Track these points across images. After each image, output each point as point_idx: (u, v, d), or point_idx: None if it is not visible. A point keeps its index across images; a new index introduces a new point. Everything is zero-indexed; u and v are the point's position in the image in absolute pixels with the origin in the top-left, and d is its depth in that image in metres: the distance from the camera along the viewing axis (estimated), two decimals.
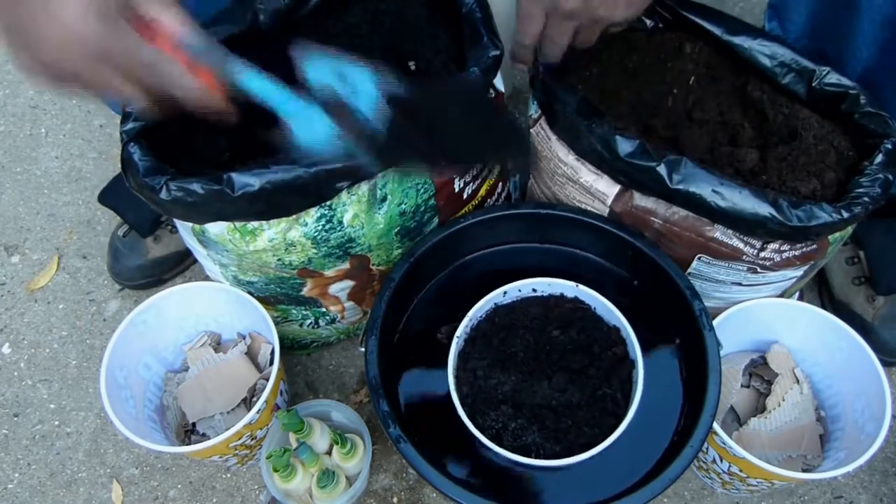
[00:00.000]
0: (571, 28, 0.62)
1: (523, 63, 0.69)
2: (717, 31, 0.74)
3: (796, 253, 0.69)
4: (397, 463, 0.87)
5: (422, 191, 0.71)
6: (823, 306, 0.94)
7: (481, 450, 0.66)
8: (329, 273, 0.75)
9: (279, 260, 0.70)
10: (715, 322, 0.70)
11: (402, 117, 0.54)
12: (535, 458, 0.61)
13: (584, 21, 0.61)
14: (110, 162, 1.16)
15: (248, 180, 0.61)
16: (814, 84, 0.71)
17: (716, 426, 0.66)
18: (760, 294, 0.77)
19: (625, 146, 0.66)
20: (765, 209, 0.63)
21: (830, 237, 0.68)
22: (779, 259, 0.69)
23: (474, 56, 0.68)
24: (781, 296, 0.79)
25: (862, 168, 0.66)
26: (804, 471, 0.76)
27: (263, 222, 0.66)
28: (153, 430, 0.79)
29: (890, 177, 0.65)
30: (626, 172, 0.68)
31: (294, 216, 0.66)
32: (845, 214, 0.63)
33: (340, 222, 0.68)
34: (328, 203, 0.67)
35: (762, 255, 0.69)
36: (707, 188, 0.64)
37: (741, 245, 0.68)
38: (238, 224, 0.66)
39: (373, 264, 0.77)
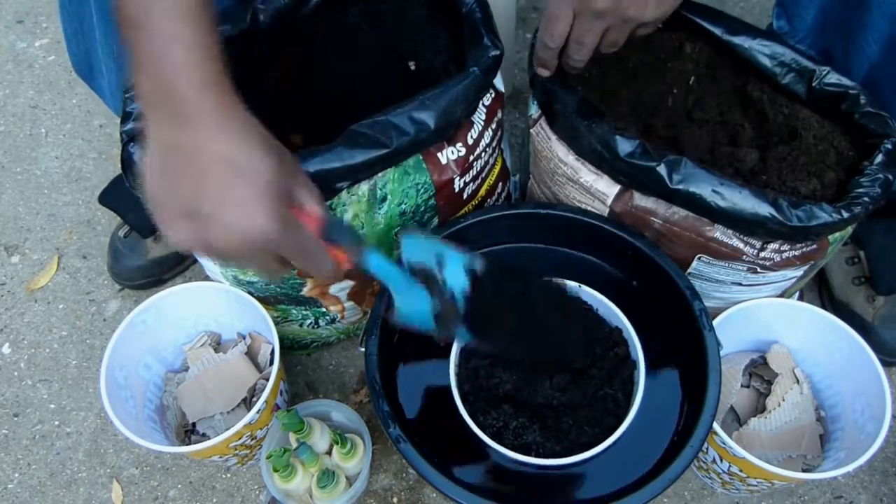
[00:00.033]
0: (601, 29, 0.61)
1: (547, 68, 0.68)
2: (717, 31, 0.74)
3: (796, 253, 0.69)
4: (397, 463, 0.87)
5: (422, 191, 0.71)
6: (823, 306, 0.94)
7: (482, 449, 0.66)
8: None
9: None
10: (715, 322, 0.70)
11: (488, 302, 0.60)
12: (536, 456, 0.61)
13: (613, 21, 0.60)
14: (110, 162, 1.16)
15: None
16: (814, 84, 0.71)
17: (716, 426, 0.66)
18: (760, 294, 0.77)
19: (625, 146, 0.66)
20: (765, 209, 0.63)
21: (830, 237, 0.68)
22: (779, 259, 0.69)
23: (474, 56, 0.68)
24: (781, 296, 0.79)
25: (862, 168, 0.66)
26: (804, 471, 0.76)
27: None
28: (153, 430, 0.79)
29: (890, 177, 0.65)
30: (626, 172, 0.68)
31: None
32: (845, 214, 0.63)
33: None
34: (328, 203, 0.67)
35: (762, 255, 0.69)
36: (707, 188, 0.64)
37: (741, 245, 0.68)
38: None
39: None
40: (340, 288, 0.79)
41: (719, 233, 0.68)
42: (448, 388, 0.65)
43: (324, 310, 0.82)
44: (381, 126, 0.64)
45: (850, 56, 0.75)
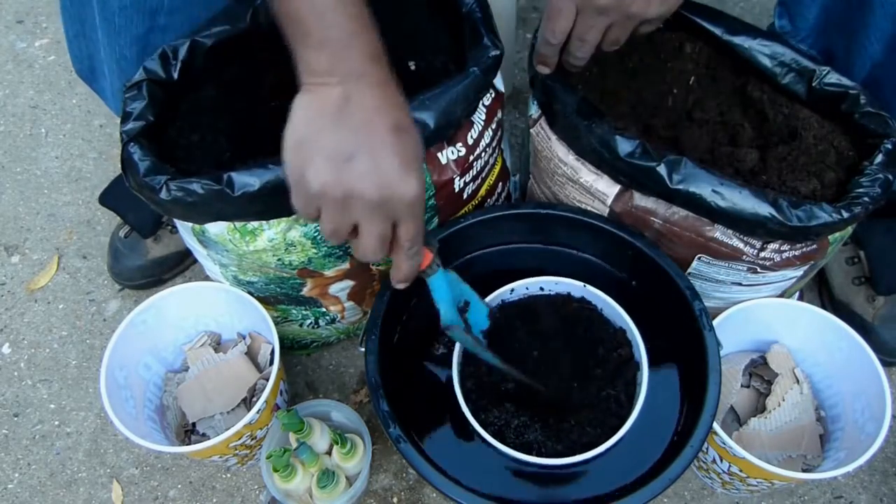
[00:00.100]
0: (603, 25, 0.61)
1: (547, 65, 0.68)
2: (717, 31, 0.74)
3: (796, 253, 0.69)
4: (397, 463, 0.87)
5: None
6: (823, 306, 0.94)
7: (482, 449, 0.66)
8: (329, 273, 0.75)
9: (279, 260, 0.70)
10: (715, 322, 0.70)
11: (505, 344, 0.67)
12: (537, 455, 0.61)
13: (616, 18, 0.60)
14: (110, 162, 1.16)
15: (248, 180, 0.61)
16: (814, 84, 0.71)
17: (716, 426, 0.66)
18: (760, 294, 0.77)
19: (625, 146, 0.66)
20: (765, 209, 0.63)
21: (830, 237, 0.68)
22: (779, 259, 0.69)
23: (474, 56, 0.68)
24: (781, 296, 0.79)
25: (862, 168, 0.66)
26: (804, 471, 0.76)
27: (263, 222, 0.66)
28: (153, 430, 0.79)
29: (890, 177, 0.65)
30: (626, 172, 0.68)
31: (294, 216, 0.66)
32: (845, 214, 0.63)
33: None
34: None
35: (762, 255, 0.69)
36: (707, 188, 0.64)
37: (741, 245, 0.68)
38: (238, 224, 0.66)
39: (373, 264, 0.77)
40: (340, 288, 0.79)
41: (719, 233, 0.68)
42: (448, 388, 0.65)
43: (324, 310, 0.82)
44: None
45: (852, 55, 0.75)
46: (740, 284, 0.74)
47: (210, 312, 0.86)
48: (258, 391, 0.84)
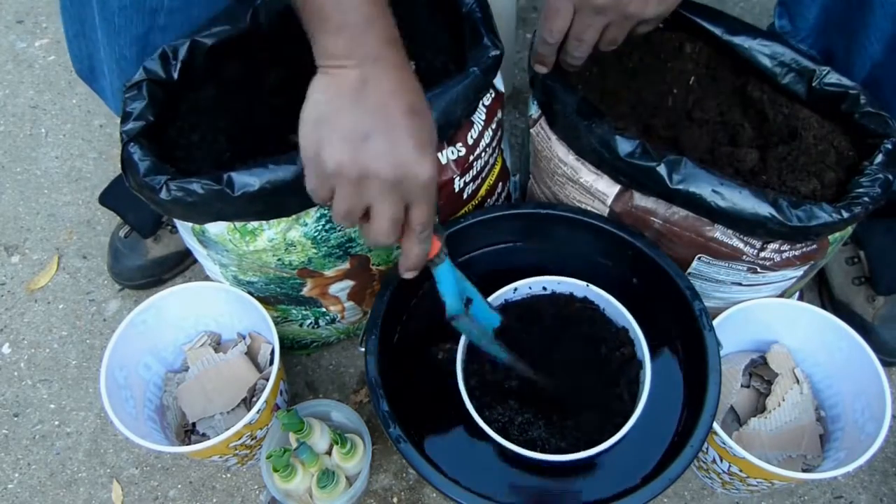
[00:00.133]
0: (601, 25, 0.61)
1: (544, 64, 0.68)
2: (717, 31, 0.74)
3: (796, 253, 0.69)
4: (397, 463, 0.87)
5: None
6: (823, 306, 0.94)
7: (482, 449, 0.66)
8: (329, 273, 0.75)
9: (279, 260, 0.70)
10: (715, 322, 0.70)
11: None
12: (541, 452, 0.61)
13: (614, 18, 0.60)
14: (110, 162, 1.16)
15: (248, 180, 0.61)
16: (814, 84, 0.71)
17: (716, 426, 0.66)
18: (760, 294, 0.77)
19: (625, 146, 0.66)
20: (765, 209, 0.63)
21: (830, 237, 0.68)
22: (779, 259, 0.69)
23: (474, 56, 0.68)
24: (781, 296, 0.79)
25: (862, 168, 0.66)
26: (804, 471, 0.76)
27: (263, 222, 0.66)
28: (153, 430, 0.79)
29: (890, 177, 0.65)
30: (626, 172, 0.68)
31: (294, 216, 0.66)
32: (845, 214, 0.63)
33: None
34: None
35: (762, 255, 0.69)
36: (707, 188, 0.64)
37: (741, 245, 0.68)
38: (238, 224, 0.66)
39: (373, 264, 0.77)
40: (340, 288, 0.79)
41: (719, 233, 0.68)
42: (449, 388, 0.65)
43: (324, 310, 0.82)
44: None
45: (852, 55, 0.75)
46: (740, 284, 0.74)
47: (210, 312, 0.86)
48: (258, 391, 0.84)
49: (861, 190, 0.64)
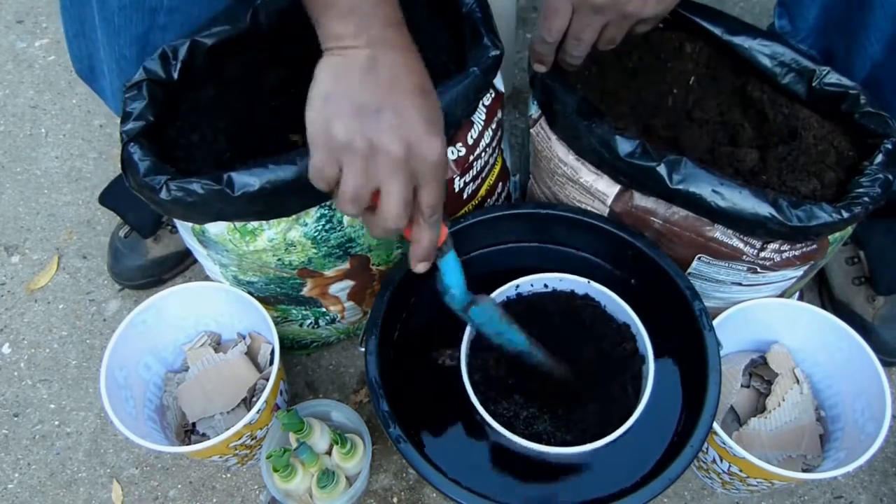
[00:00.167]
0: (599, 24, 0.61)
1: (543, 63, 0.68)
2: (717, 31, 0.74)
3: (796, 253, 0.69)
4: (397, 463, 0.87)
5: None
6: (823, 306, 0.94)
7: (483, 449, 0.66)
8: (329, 273, 0.75)
9: (279, 260, 0.70)
10: (715, 322, 0.70)
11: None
12: (547, 445, 0.61)
13: (612, 17, 0.60)
14: (110, 162, 1.16)
15: (248, 180, 0.61)
16: (814, 84, 0.71)
17: (716, 426, 0.66)
18: (760, 294, 0.77)
19: (625, 146, 0.66)
20: (765, 209, 0.63)
21: (830, 237, 0.68)
22: (779, 259, 0.69)
23: (474, 56, 0.68)
24: (781, 296, 0.79)
25: (862, 168, 0.66)
26: (804, 471, 0.76)
27: (263, 222, 0.66)
28: (153, 430, 0.79)
29: (890, 177, 0.65)
30: (626, 172, 0.68)
31: (294, 216, 0.66)
32: (845, 214, 0.63)
33: (340, 222, 0.68)
34: (328, 203, 0.67)
35: (762, 255, 0.69)
36: (707, 188, 0.64)
37: (741, 245, 0.68)
38: (238, 224, 0.66)
39: (373, 264, 0.77)
40: (340, 288, 0.79)
41: (719, 233, 0.68)
42: (448, 388, 0.65)
43: (324, 310, 0.82)
44: None
45: (852, 56, 0.75)
46: (740, 284, 0.74)
47: (210, 312, 0.86)
48: (258, 391, 0.83)
49: (861, 190, 0.64)
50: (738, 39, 0.73)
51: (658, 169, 0.65)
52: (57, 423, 0.93)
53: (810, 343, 0.80)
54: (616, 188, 0.71)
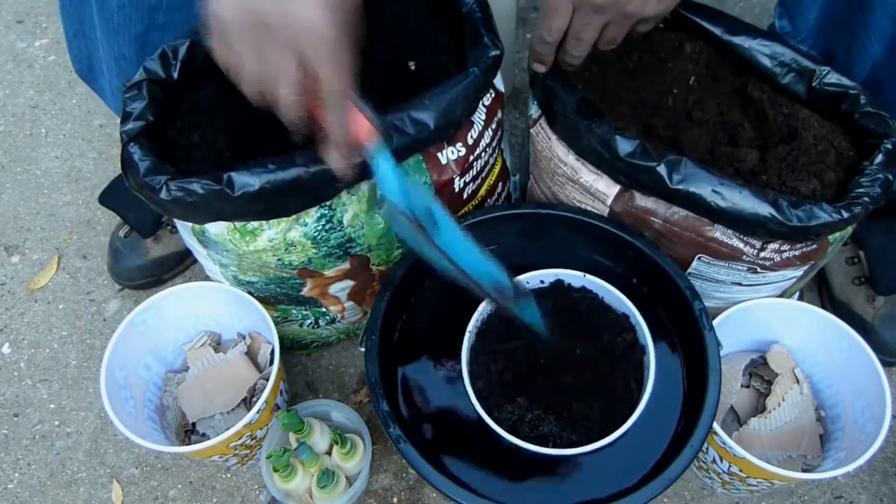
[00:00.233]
0: (600, 24, 0.61)
1: (543, 63, 0.68)
2: (717, 31, 0.74)
3: (796, 253, 0.69)
4: (397, 463, 0.87)
5: None
6: (823, 306, 0.94)
7: (483, 448, 0.66)
8: (329, 273, 0.75)
9: (279, 260, 0.70)
10: (715, 322, 0.70)
11: None
12: (554, 447, 0.61)
13: (613, 16, 0.60)
14: (110, 162, 1.16)
15: (248, 180, 0.61)
16: (814, 84, 0.71)
17: (716, 426, 0.66)
18: (760, 294, 0.77)
19: (625, 146, 0.66)
20: (765, 209, 0.63)
21: (830, 237, 0.68)
22: (779, 259, 0.69)
23: (474, 56, 0.68)
24: (781, 296, 0.79)
25: (862, 168, 0.66)
26: (804, 471, 0.76)
27: (263, 222, 0.66)
28: (153, 430, 0.79)
29: (890, 177, 0.65)
30: (626, 172, 0.68)
31: (294, 216, 0.66)
32: (845, 214, 0.63)
33: (340, 222, 0.68)
34: (328, 203, 0.67)
35: (762, 255, 0.69)
36: (707, 188, 0.64)
37: (741, 245, 0.68)
38: (238, 224, 0.66)
39: (373, 264, 0.77)
40: (340, 288, 0.79)
41: (719, 233, 0.68)
42: (449, 387, 0.65)
43: (324, 310, 0.82)
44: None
45: (853, 56, 0.75)
46: (740, 284, 0.74)
47: (210, 312, 0.86)
48: (258, 391, 0.84)
49: (861, 190, 0.64)
50: (738, 39, 0.73)
51: (658, 169, 0.65)
52: (57, 423, 0.93)
53: (810, 343, 0.80)
54: (616, 188, 0.71)
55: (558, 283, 0.71)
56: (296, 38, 0.49)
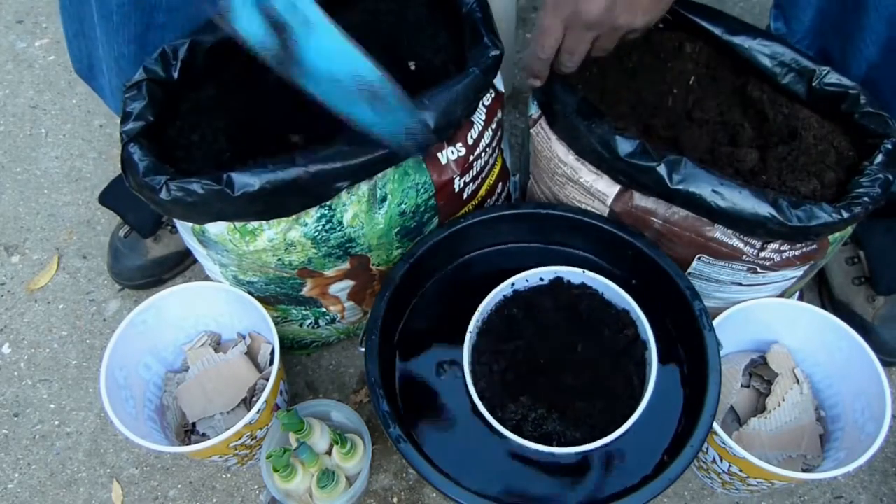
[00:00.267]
0: (591, 38, 0.62)
1: (539, 78, 0.69)
2: (717, 30, 0.74)
3: (796, 253, 0.69)
4: (397, 463, 0.87)
5: (422, 191, 0.71)
6: (823, 306, 0.94)
7: (483, 448, 0.66)
8: (329, 273, 0.75)
9: (279, 260, 0.70)
10: (715, 322, 0.70)
11: None
12: (558, 445, 0.61)
13: (604, 30, 0.61)
14: (110, 162, 1.16)
15: (248, 180, 0.61)
16: (814, 84, 0.71)
17: (716, 426, 0.66)
18: (760, 294, 0.77)
19: (625, 146, 0.66)
20: (765, 209, 0.63)
21: (830, 237, 0.68)
22: (779, 259, 0.69)
23: (474, 56, 0.68)
24: (781, 296, 0.79)
25: (862, 168, 0.66)
26: (804, 471, 0.76)
27: (263, 222, 0.66)
28: (153, 430, 0.79)
29: (890, 177, 0.65)
30: (626, 172, 0.68)
31: (294, 216, 0.66)
32: (845, 214, 0.63)
33: (340, 222, 0.68)
34: (328, 203, 0.67)
35: (762, 255, 0.69)
36: (707, 188, 0.64)
37: (741, 245, 0.68)
38: (238, 224, 0.66)
39: (373, 264, 0.77)
40: (340, 288, 0.79)
41: (719, 233, 0.68)
42: (449, 387, 0.65)
43: (324, 310, 0.82)
44: None
45: (848, 58, 0.75)
46: (740, 284, 0.74)
47: (210, 312, 0.86)
48: (258, 391, 0.84)
49: (861, 190, 0.64)
50: (738, 39, 0.73)
51: (658, 169, 0.65)
52: (57, 423, 0.93)
53: (810, 343, 0.80)
54: (616, 188, 0.71)
55: (558, 281, 0.71)
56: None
